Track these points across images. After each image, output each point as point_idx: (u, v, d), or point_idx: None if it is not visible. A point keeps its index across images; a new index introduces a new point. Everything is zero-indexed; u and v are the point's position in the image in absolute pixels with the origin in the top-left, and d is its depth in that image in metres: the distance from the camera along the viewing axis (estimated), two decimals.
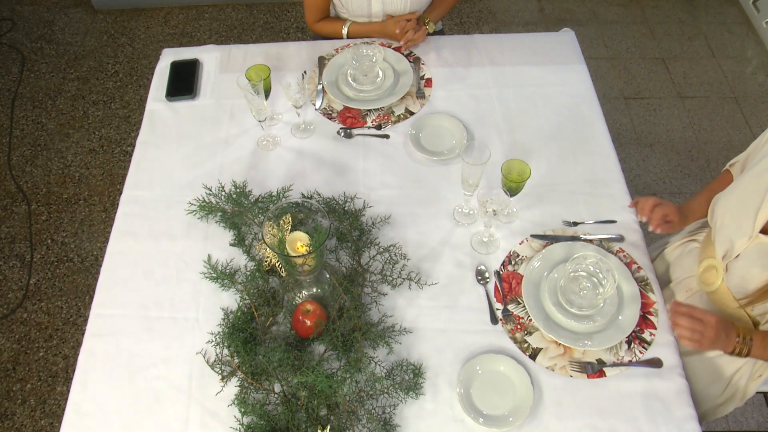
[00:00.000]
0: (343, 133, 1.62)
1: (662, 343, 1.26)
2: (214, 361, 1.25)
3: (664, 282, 1.44)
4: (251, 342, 1.24)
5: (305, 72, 1.76)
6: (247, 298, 1.31)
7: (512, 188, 1.34)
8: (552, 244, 1.39)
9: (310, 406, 1.17)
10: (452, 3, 1.89)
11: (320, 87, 1.71)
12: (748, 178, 1.19)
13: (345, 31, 1.83)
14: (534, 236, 1.41)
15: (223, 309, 1.32)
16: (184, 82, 1.73)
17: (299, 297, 1.31)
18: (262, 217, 1.42)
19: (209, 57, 1.81)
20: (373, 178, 1.53)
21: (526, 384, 1.19)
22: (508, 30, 3.18)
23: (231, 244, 1.41)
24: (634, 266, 1.37)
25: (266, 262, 1.35)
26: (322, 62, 1.77)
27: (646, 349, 1.25)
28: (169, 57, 1.80)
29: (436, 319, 1.30)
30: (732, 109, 2.84)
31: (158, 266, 1.40)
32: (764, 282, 1.15)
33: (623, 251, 1.39)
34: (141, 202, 1.50)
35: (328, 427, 1.14)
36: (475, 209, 1.46)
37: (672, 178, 2.61)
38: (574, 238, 1.40)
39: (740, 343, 1.17)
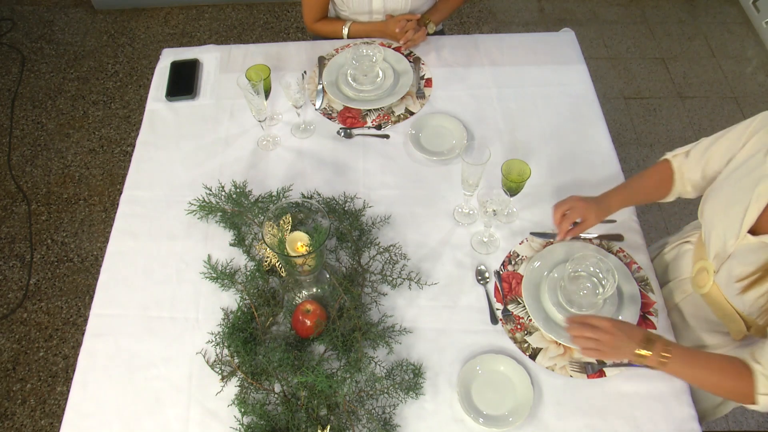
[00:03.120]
0: (343, 133, 1.62)
1: None
2: (214, 361, 1.25)
3: (663, 282, 1.44)
4: (251, 342, 1.24)
5: (305, 72, 1.76)
6: (247, 298, 1.31)
7: (512, 188, 1.34)
8: (552, 243, 1.39)
9: (310, 406, 1.17)
10: (455, 6, 1.89)
11: (320, 87, 1.71)
12: (735, 178, 1.18)
13: (345, 31, 1.83)
14: (534, 234, 1.41)
15: (223, 309, 1.32)
16: (184, 82, 1.73)
17: (299, 297, 1.31)
18: (262, 217, 1.42)
19: (209, 57, 1.81)
20: (373, 178, 1.53)
21: (526, 384, 1.19)
22: (508, 30, 3.18)
23: (231, 244, 1.41)
24: (634, 266, 1.37)
25: (266, 262, 1.35)
26: (322, 62, 1.77)
27: None
28: (169, 57, 1.80)
29: (436, 319, 1.30)
30: (732, 109, 2.84)
31: (158, 266, 1.40)
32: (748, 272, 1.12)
33: (623, 251, 1.39)
34: (141, 202, 1.50)
35: (328, 427, 1.14)
36: (475, 209, 1.46)
37: None
38: (574, 238, 1.40)
39: (647, 346, 1.08)
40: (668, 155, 1.35)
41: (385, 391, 1.19)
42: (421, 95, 1.69)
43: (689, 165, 1.31)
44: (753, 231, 1.13)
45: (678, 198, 1.37)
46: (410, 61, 1.76)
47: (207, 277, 1.37)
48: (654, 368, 1.11)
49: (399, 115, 1.65)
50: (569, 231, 1.30)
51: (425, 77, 1.74)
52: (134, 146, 1.62)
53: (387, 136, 1.61)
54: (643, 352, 1.09)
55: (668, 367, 1.10)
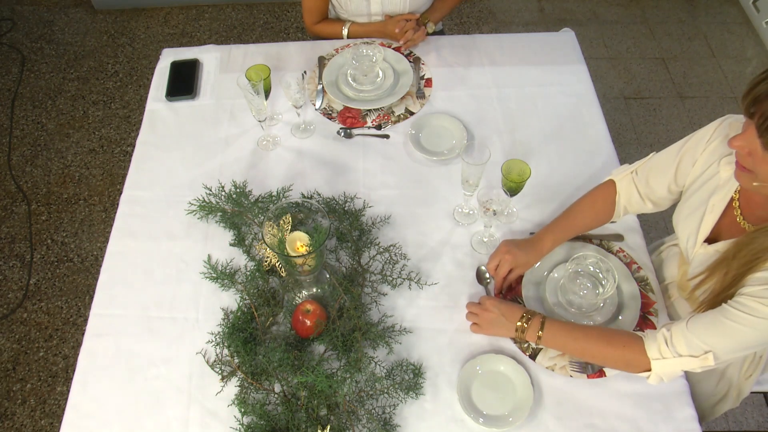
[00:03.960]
0: (343, 133, 1.62)
1: None
2: (214, 361, 1.25)
3: (659, 282, 1.44)
4: (251, 342, 1.24)
5: (305, 72, 1.76)
6: (247, 298, 1.31)
7: (512, 188, 1.34)
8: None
9: (310, 406, 1.17)
10: (453, 5, 1.89)
11: (320, 87, 1.71)
12: (693, 189, 1.19)
13: (345, 32, 1.83)
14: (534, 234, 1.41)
15: (223, 309, 1.32)
16: (184, 82, 1.73)
17: (299, 297, 1.31)
18: (262, 217, 1.42)
19: (209, 57, 1.81)
20: (373, 178, 1.53)
21: (526, 384, 1.19)
22: (508, 30, 3.18)
23: (231, 244, 1.41)
24: (634, 266, 1.37)
25: (266, 262, 1.35)
26: (322, 62, 1.77)
27: None
28: (169, 57, 1.80)
29: (436, 319, 1.30)
30: (732, 109, 2.84)
31: (158, 266, 1.40)
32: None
33: (623, 251, 1.39)
34: (141, 202, 1.50)
35: (328, 427, 1.14)
36: (475, 209, 1.46)
37: None
38: (574, 238, 1.40)
39: (525, 324, 1.19)
40: (614, 176, 1.34)
41: (385, 391, 1.19)
42: (421, 95, 1.69)
43: (640, 183, 1.29)
44: (711, 239, 1.15)
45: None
46: (410, 61, 1.76)
47: (207, 277, 1.37)
48: (537, 344, 1.21)
49: (399, 115, 1.65)
50: (505, 279, 1.31)
51: (425, 77, 1.74)
52: (134, 146, 1.62)
53: (387, 136, 1.61)
54: (521, 325, 1.19)
55: (544, 341, 1.18)
